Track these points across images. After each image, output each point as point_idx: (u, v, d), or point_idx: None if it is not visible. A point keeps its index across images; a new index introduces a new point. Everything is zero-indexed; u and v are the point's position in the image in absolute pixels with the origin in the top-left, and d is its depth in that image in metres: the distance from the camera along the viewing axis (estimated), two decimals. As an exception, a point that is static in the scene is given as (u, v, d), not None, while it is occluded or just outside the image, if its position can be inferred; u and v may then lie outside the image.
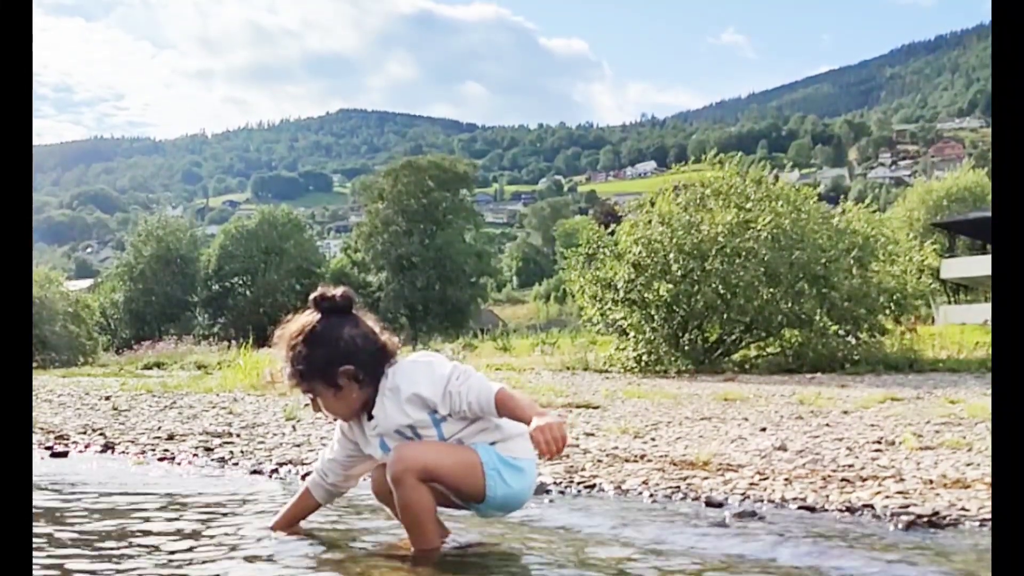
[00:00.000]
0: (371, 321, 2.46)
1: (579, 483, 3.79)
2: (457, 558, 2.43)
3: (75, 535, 2.72)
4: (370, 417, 2.43)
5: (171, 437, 5.73)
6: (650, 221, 15.85)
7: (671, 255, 15.10)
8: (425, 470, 2.32)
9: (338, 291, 2.42)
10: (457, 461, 2.35)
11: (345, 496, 2.81)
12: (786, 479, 3.72)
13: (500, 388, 2.31)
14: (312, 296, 2.41)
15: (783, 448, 4.62)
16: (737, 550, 2.55)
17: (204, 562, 2.34)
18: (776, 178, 17.20)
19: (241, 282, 51.81)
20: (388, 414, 2.37)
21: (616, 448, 4.78)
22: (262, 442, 5.38)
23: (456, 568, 2.35)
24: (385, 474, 2.41)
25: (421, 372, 2.36)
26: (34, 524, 2.68)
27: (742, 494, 3.45)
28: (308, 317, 2.40)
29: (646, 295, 15.27)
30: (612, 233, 16.45)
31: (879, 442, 4.80)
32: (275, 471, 4.31)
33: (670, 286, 14.96)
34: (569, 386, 10.98)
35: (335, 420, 2.53)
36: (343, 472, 2.59)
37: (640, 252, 15.32)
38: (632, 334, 15.71)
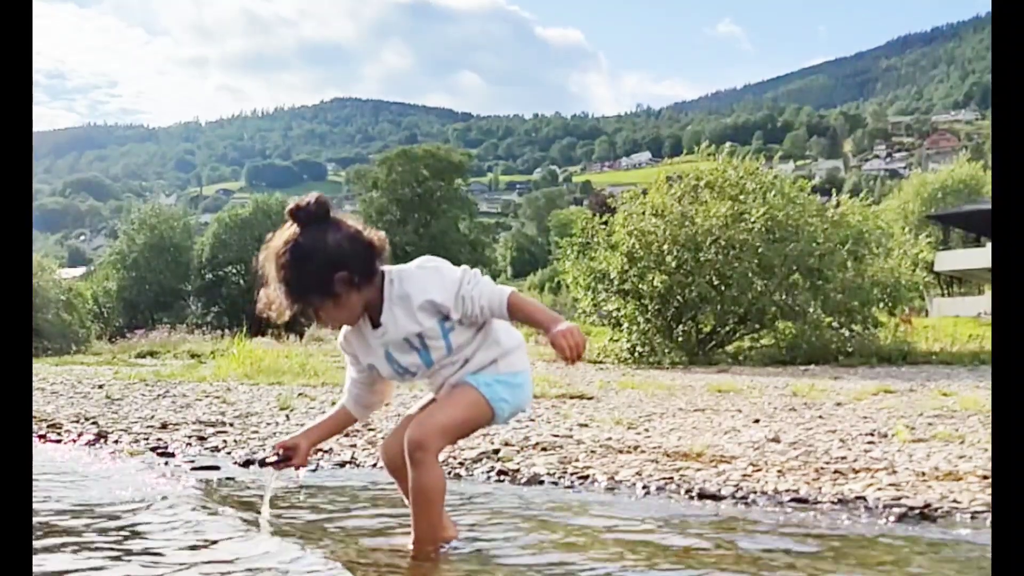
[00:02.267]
0: (352, 220, 2.36)
1: (572, 474, 3.79)
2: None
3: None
4: (375, 325, 2.37)
5: (164, 426, 5.72)
6: (644, 212, 15.86)
7: (665, 246, 15.12)
8: (446, 436, 2.33)
9: (311, 198, 2.32)
10: (467, 409, 2.34)
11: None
12: (779, 471, 3.73)
13: (512, 291, 2.30)
14: (287, 210, 2.32)
15: (776, 440, 4.63)
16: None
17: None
18: (770, 167, 17.19)
19: (235, 271, 51.54)
20: (398, 323, 2.32)
21: (610, 439, 4.78)
22: (255, 431, 5.37)
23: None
24: (397, 444, 2.38)
25: (432, 278, 2.32)
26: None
27: (735, 485, 3.45)
28: (288, 232, 2.31)
29: (640, 286, 15.29)
30: (606, 224, 16.45)
31: (872, 434, 4.81)
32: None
33: (664, 277, 14.98)
34: (563, 377, 11.00)
35: (340, 328, 2.46)
36: (368, 388, 2.51)
37: (634, 243, 15.33)
38: (626, 325, 15.74)
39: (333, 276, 2.25)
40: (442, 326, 2.32)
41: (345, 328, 2.43)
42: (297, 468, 2.49)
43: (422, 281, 2.31)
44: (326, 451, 4.53)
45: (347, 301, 2.29)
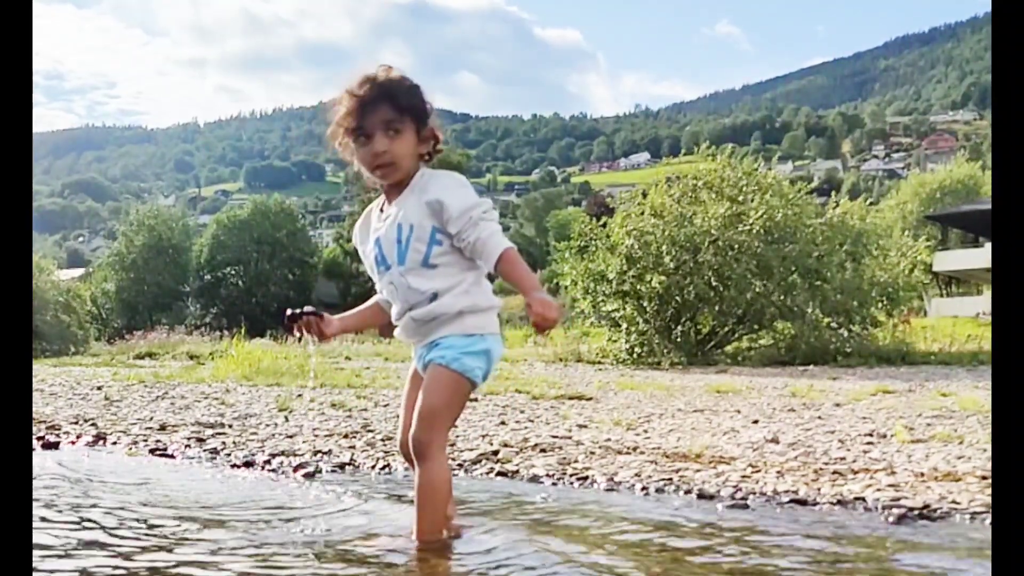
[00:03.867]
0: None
1: (572, 475, 3.79)
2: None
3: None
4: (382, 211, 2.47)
5: (163, 428, 5.71)
6: (643, 213, 15.86)
7: (663, 247, 15.12)
8: (442, 423, 2.35)
9: None
10: (448, 391, 2.36)
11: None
12: (778, 472, 3.73)
13: (511, 247, 2.33)
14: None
15: (775, 440, 4.63)
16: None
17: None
18: (768, 168, 17.19)
19: (233, 272, 51.54)
20: (405, 207, 2.40)
21: (609, 440, 4.78)
22: (254, 433, 5.36)
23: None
24: (407, 437, 2.41)
25: (455, 187, 2.39)
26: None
27: (734, 486, 3.45)
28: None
29: (639, 287, 15.29)
30: (604, 225, 16.45)
31: (871, 435, 4.81)
32: (267, 462, 4.30)
33: (663, 278, 14.98)
34: (562, 378, 11.00)
35: (381, 179, 2.46)
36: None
37: (632, 244, 15.33)
38: (625, 326, 15.74)
39: (428, 115, 2.41)
40: (433, 234, 2.36)
41: (359, 220, 2.57)
42: (316, 337, 2.54)
43: (446, 184, 2.39)
44: (325, 452, 4.53)
45: (414, 142, 2.41)
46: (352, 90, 2.39)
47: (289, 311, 2.55)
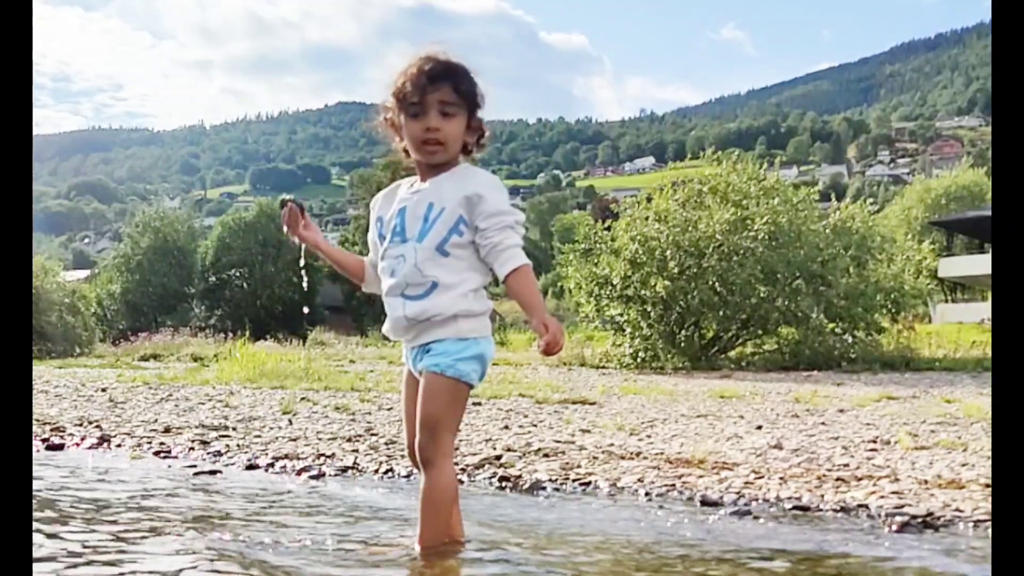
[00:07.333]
0: None
1: (575, 480, 3.79)
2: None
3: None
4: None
5: (167, 430, 5.72)
6: (647, 218, 15.85)
7: (668, 252, 15.10)
8: (445, 430, 2.36)
9: None
10: (448, 397, 2.37)
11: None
12: (781, 478, 3.72)
13: (528, 263, 2.35)
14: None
15: (779, 446, 4.63)
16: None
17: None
18: (773, 172, 17.14)
19: (238, 274, 51.55)
20: (441, 188, 2.41)
21: (612, 445, 4.78)
22: (258, 436, 5.37)
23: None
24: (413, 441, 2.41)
25: (498, 187, 2.43)
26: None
27: (737, 493, 3.45)
28: None
29: (643, 291, 15.27)
30: (609, 229, 16.44)
31: (875, 441, 4.81)
32: (270, 465, 4.30)
33: (667, 283, 14.96)
34: (565, 382, 10.98)
35: (427, 156, 2.45)
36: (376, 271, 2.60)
37: (637, 249, 15.32)
38: (629, 330, 15.72)
39: (480, 106, 2.48)
40: (458, 223, 2.37)
41: (386, 189, 2.59)
42: (292, 232, 2.63)
43: (489, 182, 2.43)
44: (328, 456, 4.53)
45: (467, 129, 2.46)
46: (416, 64, 2.41)
47: (282, 196, 2.60)
